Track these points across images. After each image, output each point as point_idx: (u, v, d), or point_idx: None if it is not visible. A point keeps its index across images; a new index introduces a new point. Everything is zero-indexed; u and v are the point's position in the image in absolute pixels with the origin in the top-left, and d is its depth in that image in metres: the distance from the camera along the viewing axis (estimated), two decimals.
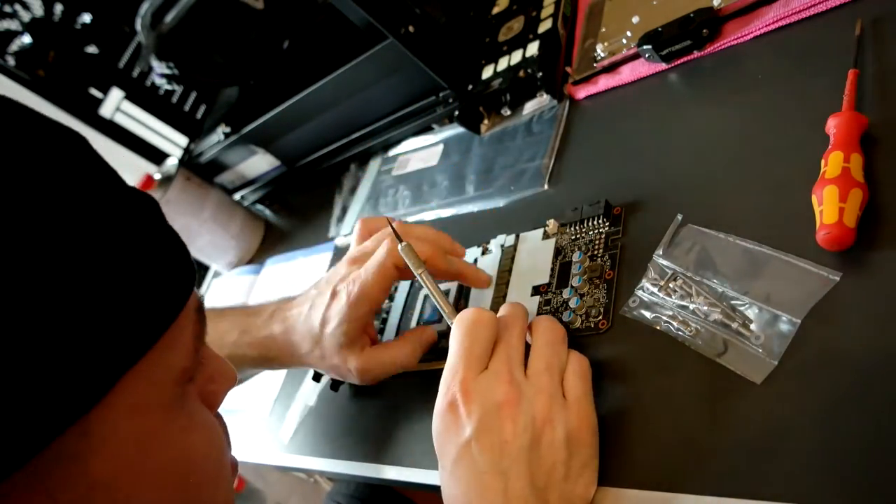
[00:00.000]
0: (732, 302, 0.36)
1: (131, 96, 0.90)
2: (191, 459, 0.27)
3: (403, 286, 0.59)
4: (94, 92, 0.88)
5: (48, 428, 0.20)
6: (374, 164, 0.78)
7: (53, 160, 0.22)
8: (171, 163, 0.86)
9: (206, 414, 0.29)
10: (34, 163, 0.21)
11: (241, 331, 0.52)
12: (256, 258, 0.90)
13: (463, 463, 0.35)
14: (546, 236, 0.50)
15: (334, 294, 0.46)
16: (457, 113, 0.62)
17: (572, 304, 0.44)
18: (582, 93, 0.57)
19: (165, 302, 0.24)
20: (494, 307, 0.49)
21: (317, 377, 0.58)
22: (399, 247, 0.43)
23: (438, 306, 0.42)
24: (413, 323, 0.55)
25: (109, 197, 0.23)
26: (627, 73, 0.53)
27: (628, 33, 0.54)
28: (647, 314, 0.39)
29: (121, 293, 0.22)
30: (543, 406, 0.35)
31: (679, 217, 0.41)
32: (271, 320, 0.51)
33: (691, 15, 0.49)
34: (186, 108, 0.96)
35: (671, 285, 0.39)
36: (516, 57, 0.59)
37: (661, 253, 0.41)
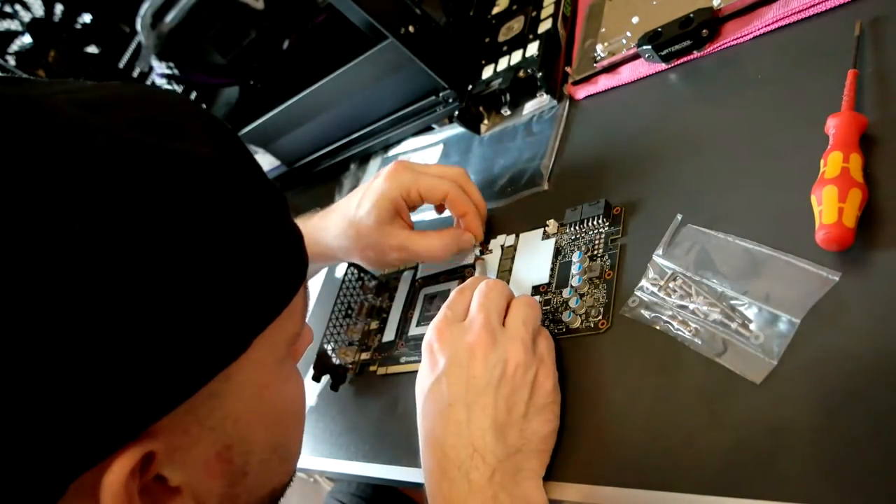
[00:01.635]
0: (732, 302, 0.36)
1: None
2: (288, 404, 0.34)
3: (403, 288, 0.59)
4: None
5: (212, 367, 0.27)
6: (374, 164, 0.78)
7: (233, 165, 0.29)
8: None
9: (295, 368, 0.35)
10: (232, 162, 0.29)
11: None
12: None
13: (431, 396, 0.39)
14: (546, 236, 0.50)
15: (374, 180, 0.51)
16: (457, 113, 0.62)
17: (572, 304, 0.44)
18: (582, 93, 0.57)
19: (289, 282, 0.31)
20: None
21: (317, 377, 0.58)
22: (476, 261, 0.50)
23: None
24: (413, 323, 0.55)
25: (263, 195, 0.30)
26: (627, 74, 0.53)
27: (628, 33, 0.54)
28: (647, 314, 0.39)
29: (261, 278, 0.28)
30: (517, 351, 0.38)
31: (679, 217, 0.42)
32: (313, 216, 0.56)
33: (691, 15, 0.49)
34: None
35: (671, 285, 0.39)
36: (516, 57, 0.59)
37: (660, 253, 0.41)
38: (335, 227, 0.53)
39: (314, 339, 0.53)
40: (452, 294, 0.44)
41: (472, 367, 0.38)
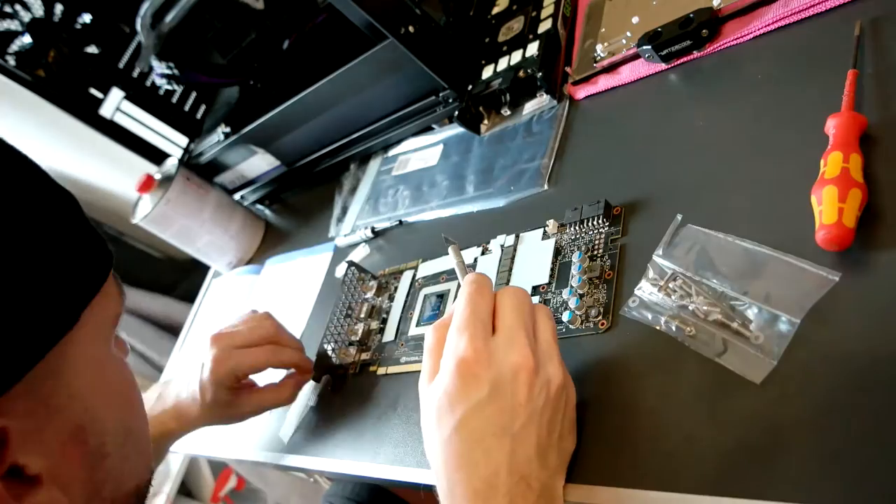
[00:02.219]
0: (732, 302, 0.36)
1: (131, 96, 0.90)
2: (129, 385, 0.36)
3: (403, 288, 0.59)
4: (94, 92, 0.88)
5: (40, 347, 0.28)
6: (374, 164, 0.78)
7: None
8: (171, 163, 0.86)
9: (124, 361, 0.37)
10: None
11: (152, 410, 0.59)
12: (256, 258, 0.90)
13: (471, 424, 0.35)
14: (546, 236, 0.50)
15: (202, 368, 0.55)
16: (457, 113, 0.62)
17: (572, 304, 0.44)
18: (582, 93, 0.57)
19: (104, 255, 0.34)
20: None
21: (317, 377, 0.58)
22: (449, 248, 0.44)
23: (459, 275, 0.42)
24: (413, 323, 0.55)
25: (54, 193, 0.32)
26: (627, 74, 0.53)
27: (628, 33, 0.54)
28: (647, 314, 0.39)
29: (73, 259, 0.31)
30: (558, 372, 0.36)
31: (679, 217, 0.42)
32: (159, 403, 0.59)
33: (691, 15, 0.49)
34: (186, 108, 0.96)
35: (671, 285, 0.39)
36: (516, 57, 0.59)
37: (660, 253, 0.41)
38: (194, 414, 0.56)
39: (315, 339, 0.53)
40: (469, 293, 0.38)
41: (518, 395, 0.35)
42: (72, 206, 0.33)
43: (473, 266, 0.54)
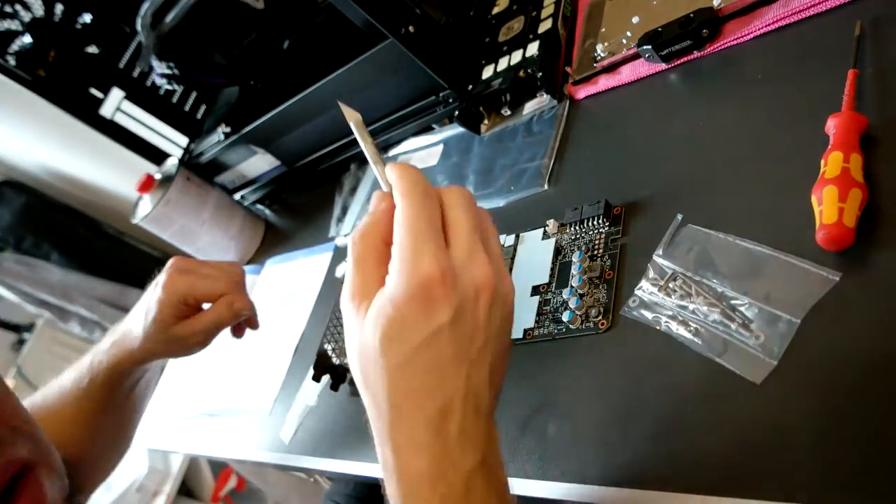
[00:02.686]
0: (732, 302, 0.36)
1: (131, 96, 0.90)
2: None
3: None
4: (94, 92, 0.88)
5: None
6: None
7: None
8: (172, 163, 0.86)
9: None
10: None
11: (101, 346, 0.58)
12: (256, 258, 0.90)
13: (429, 351, 0.31)
14: (546, 236, 0.50)
15: (154, 289, 0.55)
16: (457, 113, 0.62)
17: (572, 304, 0.44)
18: (582, 93, 0.57)
19: None
20: None
21: (317, 377, 0.58)
22: (352, 121, 0.39)
23: (372, 163, 0.37)
24: None
25: None
26: (627, 73, 0.53)
27: (628, 33, 0.54)
28: (647, 314, 0.39)
29: None
30: (509, 288, 0.33)
31: (679, 217, 0.42)
32: (110, 335, 0.58)
33: (691, 15, 0.49)
34: (186, 108, 0.96)
35: (671, 285, 0.39)
36: (516, 57, 0.59)
37: (660, 253, 0.41)
38: (136, 338, 0.55)
39: (315, 339, 0.53)
40: (417, 193, 0.33)
41: (478, 317, 0.32)
42: None
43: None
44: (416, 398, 0.31)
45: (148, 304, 0.54)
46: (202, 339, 0.56)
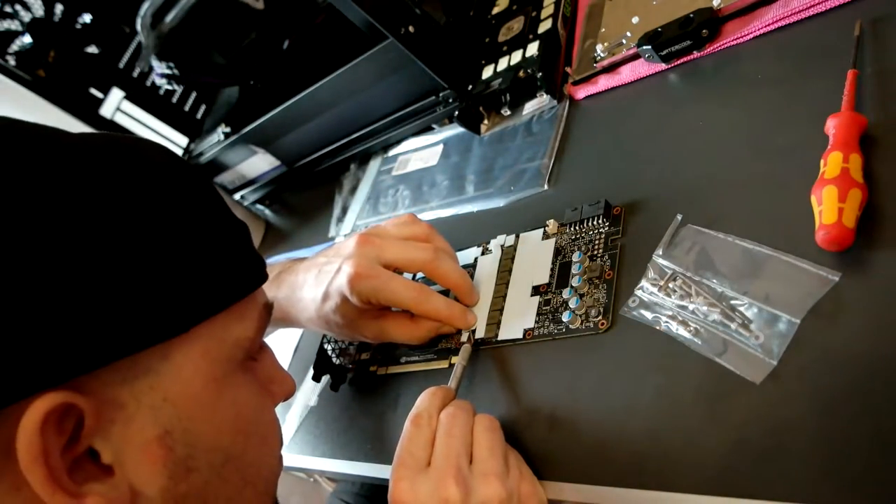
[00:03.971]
0: (732, 302, 0.36)
1: (131, 96, 0.90)
2: (243, 410, 0.34)
3: None
4: (94, 92, 0.88)
5: (144, 337, 0.28)
6: (374, 164, 0.78)
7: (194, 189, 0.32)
8: None
9: (259, 393, 0.36)
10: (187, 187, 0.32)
11: None
12: None
13: None
14: (546, 236, 0.50)
15: (339, 270, 0.46)
16: (457, 113, 0.62)
17: (572, 304, 0.44)
18: (582, 93, 0.57)
19: (239, 282, 0.33)
20: (494, 309, 0.49)
21: (317, 377, 0.58)
22: (462, 348, 0.45)
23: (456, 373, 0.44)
24: None
25: (213, 205, 0.33)
26: (627, 74, 0.53)
27: (628, 33, 0.54)
28: (647, 314, 0.39)
29: (205, 269, 0.31)
30: (496, 489, 0.35)
31: (679, 217, 0.42)
32: (276, 283, 0.53)
33: (691, 15, 0.49)
34: (186, 108, 0.96)
35: (671, 285, 0.39)
36: (516, 57, 0.59)
37: (660, 253, 0.41)
38: (305, 310, 0.50)
39: (315, 339, 0.52)
40: (408, 428, 0.38)
41: None
42: (234, 229, 0.34)
43: (473, 266, 0.54)
44: None
45: (326, 288, 0.47)
46: (378, 340, 0.50)
